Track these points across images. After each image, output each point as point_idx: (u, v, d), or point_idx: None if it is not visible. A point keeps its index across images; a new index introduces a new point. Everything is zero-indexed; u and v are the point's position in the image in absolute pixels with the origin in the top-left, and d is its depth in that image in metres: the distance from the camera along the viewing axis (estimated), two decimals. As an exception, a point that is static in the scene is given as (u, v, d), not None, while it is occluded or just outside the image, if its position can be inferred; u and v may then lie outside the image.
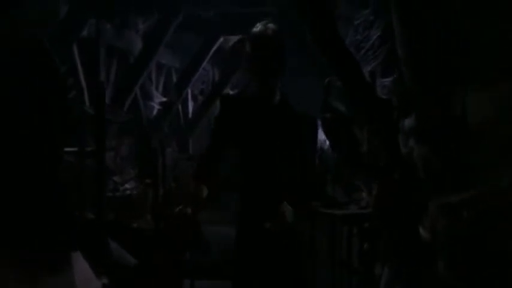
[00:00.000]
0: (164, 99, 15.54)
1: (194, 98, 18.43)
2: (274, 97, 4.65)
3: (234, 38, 16.21)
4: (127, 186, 10.03)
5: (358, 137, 6.61)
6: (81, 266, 4.08)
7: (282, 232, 4.46)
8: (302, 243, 4.81)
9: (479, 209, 2.60)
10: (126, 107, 12.89)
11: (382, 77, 6.68)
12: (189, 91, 17.44)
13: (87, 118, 6.40)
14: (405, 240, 3.92)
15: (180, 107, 16.96)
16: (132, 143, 12.54)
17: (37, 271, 3.51)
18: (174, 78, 16.74)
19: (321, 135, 7.31)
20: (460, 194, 2.65)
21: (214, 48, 15.53)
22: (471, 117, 2.66)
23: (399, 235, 4.09)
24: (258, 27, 4.67)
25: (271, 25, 4.65)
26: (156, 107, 15.35)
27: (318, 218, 7.29)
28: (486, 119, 2.63)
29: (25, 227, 3.52)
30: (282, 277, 4.56)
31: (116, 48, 13.16)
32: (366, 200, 7.22)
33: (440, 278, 2.82)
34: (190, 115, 17.87)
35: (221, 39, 15.56)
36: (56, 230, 3.63)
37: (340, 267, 7.32)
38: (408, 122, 3.15)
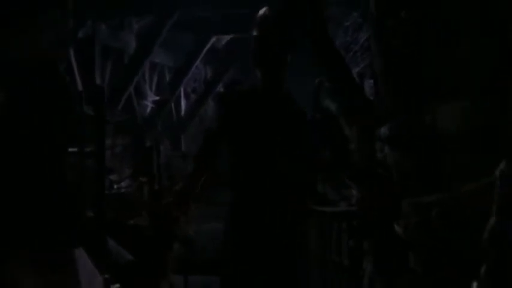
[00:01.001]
0: (157, 97, 15.68)
1: (187, 96, 18.55)
2: (277, 89, 4.47)
3: (226, 37, 16.36)
4: (122, 184, 10.17)
5: (347, 136, 6.74)
6: (84, 262, 4.19)
7: (280, 232, 4.33)
8: (301, 244, 4.63)
9: (446, 209, 2.84)
10: (121, 106, 13.03)
11: (371, 78, 6.86)
12: (182, 89, 17.56)
13: (85, 118, 6.52)
14: (385, 237, 4.10)
15: (173, 105, 17.09)
16: (127, 142, 12.65)
17: (40, 269, 3.53)
18: (167, 77, 16.86)
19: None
20: (430, 195, 2.89)
21: (207, 47, 15.66)
22: (441, 126, 2.89)
23: (380, 232, 4.27)
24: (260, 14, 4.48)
25: (268, 8, 4.48)
26: (150, 105, 15.49)
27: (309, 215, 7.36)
28: (454, 127, 2.87)
29: (25, 227, 3.55)
30: (276, 276, 4.37)
31: (111, 48, 13.30)
32: (356, 197, 7.33)
33: (412, 270, 3.06)
34: (183, 113, 17.99)
35: (214, 39, 15.70)
36: (57, 229, 3.65)
37: (330, 264, 7.42)
38: (384, 130, 3.38)
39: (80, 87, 11.41)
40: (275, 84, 4.47)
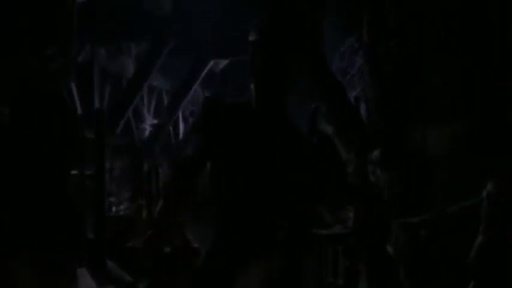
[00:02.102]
0: (156, 121, 15.77)
1: (185, 119, 18.63)
2: (271, 111, 3.76)
3: (224, 61, 16.49)
4: (121, 207, 10.25)
5: (344, 159, 6.82)
6: (87, 281, 4.27)
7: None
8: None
9: (434, 229, 2.96)
10: (119, 130, 13.11)
11: (366, 101, 6.95)
12: (180, 113, 17.64)
13: (85, 141, 6.61)
14: (378, 257, 4.18)
15: (171, 128, 17.15)
16: (126, 165, 12.71)
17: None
18: (166, 100, 16.95)
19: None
20: (419, 215, 3.01)
21: (205, 70, 15.77)
22: (430, 150, 3.03)
23: (373, 252, 4.36)
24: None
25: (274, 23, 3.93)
26: (148, 128, 15.58)
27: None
28: (443, 152, 3.00)
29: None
30: None
31: (110, 72, 13.41)
32: (352, 219, 7.40)
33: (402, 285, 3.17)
34: (181, 136, 18.05)
35: (211, 62, 15.81)
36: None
37: (325, 285, 7.46)
38: (376, 153, 3.51)
39: (79, 110, 11.50)
40: (273, 99, 3.77)
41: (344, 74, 8.83)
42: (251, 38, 3.78)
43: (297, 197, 3.76)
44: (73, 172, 5.96)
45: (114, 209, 10.43)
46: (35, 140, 3.71)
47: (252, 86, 3.75)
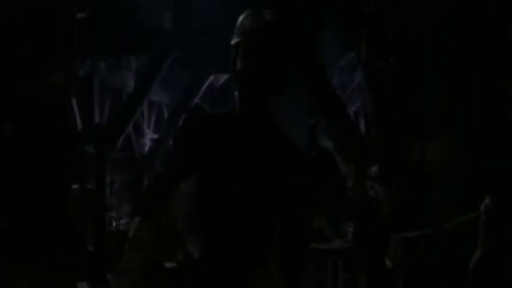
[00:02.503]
0: (156, 136, 15.79)
1: (185, 134, 18.60)
2: (258, 117, 3.51)
3: (224, 76, 16.51)
4: (122, 221, 10.26)
5: (344, 173, 6.83)
6: None
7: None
8: None
9: (433, 243, 2.99)
10: (119, 144, 13.13)
11: (365, 116, 6.97)
12: (180, 127, 17.61)
13: (86, 156, 6.65)
14: (377, 268, 4.20)
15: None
16: (126, 180, 12.73)
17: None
18: (166, 115, 16.97)
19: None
20: (417, 230, 3.04)
21: (205, 85, 15.79)
22: (428, 164, 3.06)
23: (372, 264, 4.38)
24: (247, 17, 3.52)
25: (267, 15, 3.48)
26: (148, 143, 15.60)
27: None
28: (441, 165, 3.03)
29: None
30: None
31: (110, 86, 13.45)
32: (351, 234, 7.42)
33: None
34: (181, 151, 18.02)
35: (211, 77, 15.84)
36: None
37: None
38: (374, 169, 3.53)
39: (79, 125, 11.53)
40: (252, 108, 3.51)
41: (343, 88, 8.87)
42: (233, 41, 3.52)
43: (292, 205, 3.55)
44: (74, 186, 5.99)
45: (114, 223, 10.44)
46: (35, 153, 3.74)
47: (236, 93, 3.51)
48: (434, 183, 3.08)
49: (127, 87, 14.06)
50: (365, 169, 5.40)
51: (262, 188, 3.46)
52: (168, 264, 3.76)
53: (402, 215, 3.24)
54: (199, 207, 3.52)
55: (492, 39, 3.45)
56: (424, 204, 3.09)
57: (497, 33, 3.45)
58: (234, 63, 3.50)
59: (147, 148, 15.64)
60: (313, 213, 7.95)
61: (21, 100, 3.67)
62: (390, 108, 3.32)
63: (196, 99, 16.42)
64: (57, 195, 3.81)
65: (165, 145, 16.28)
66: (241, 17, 3.52)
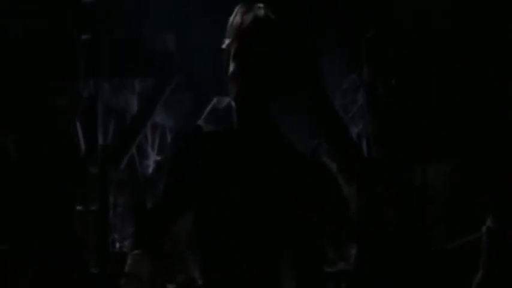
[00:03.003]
0: (159, 158, 15.81)
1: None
2: (259, 130, 3.23)
3: (227, 98, 16.53)
4: (125, 243, 10.26)
5: (347, 195, 6.83)
6: None
7: None
8: None
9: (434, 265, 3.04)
10: (122, 166, 13.14)
11: (367, 138, 7.00)
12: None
13: (89, 177, 6.67)
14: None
15: (174, 164, 17.10)
16: (129, 201, 12.74)
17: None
18: (169, 137, 16.98)
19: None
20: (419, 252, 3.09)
21: (208, 108, 15.81)
22: (430, 186, 3.09)
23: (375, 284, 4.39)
24: (241, 12, 3.22)
25: (263, 9, 3.16)
26: (152, 165, 15.61)
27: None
28: (443, 188, 3.07)
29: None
30: None
31: (114, 107, 13.48)
32: (355, 256, 7.41)
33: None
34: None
35: (214, 100, 15.86)
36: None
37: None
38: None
39: (83, 146, 11.54)
40: (257, 110, 3.22)
41: (346, 111, 8.90)
42: (224, 44, 3.36)
43: (300, 216, 3.34)
44: (78, 208, 6.00)
45: (117, 245, 10.44)
46: (39, 176, 3.76)
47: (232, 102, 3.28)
48: (435, 205, 3.12)
49: (130, 109, 14.09)
50: (367, 190, 5.43)
51: (266, 201, 3.22)
52: (169, 287, 3.72)
53: (404, 237, 3.26)
54: (202, 226, 3.32)
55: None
56: (426, 227, 3.12)
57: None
58: (226, 68, 3.38)
59: (150, 170, 15.65)
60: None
61: (23, 120, 3.70)
62: (392, 131, 3.35)
63: (200, 122, 16.44)
64: (61, 216, 3.82)
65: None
66: (231, 17, 3.31)
